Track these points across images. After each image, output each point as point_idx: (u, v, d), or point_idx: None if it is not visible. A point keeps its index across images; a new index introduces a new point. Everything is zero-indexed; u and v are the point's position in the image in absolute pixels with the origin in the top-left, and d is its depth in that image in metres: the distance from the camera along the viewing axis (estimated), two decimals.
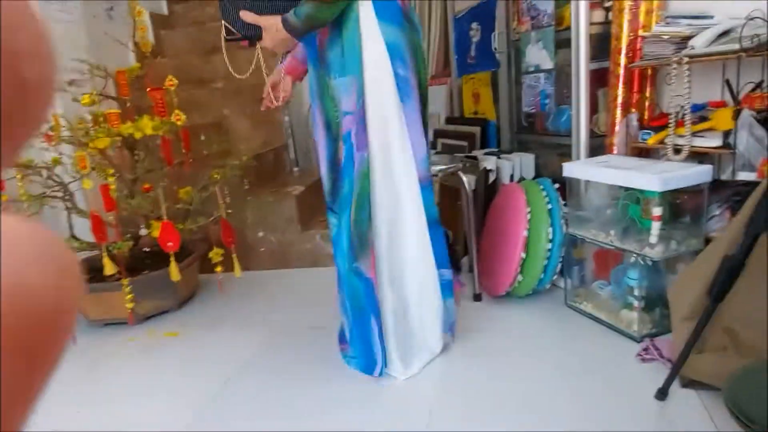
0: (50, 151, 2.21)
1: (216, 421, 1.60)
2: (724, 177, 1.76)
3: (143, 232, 2.22)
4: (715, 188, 1.79)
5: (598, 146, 2.11)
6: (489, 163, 2.28)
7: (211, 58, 3.28)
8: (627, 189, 1.80)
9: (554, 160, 2.41)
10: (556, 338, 1.88)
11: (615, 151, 2.00)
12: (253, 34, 1.51)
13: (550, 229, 2.00)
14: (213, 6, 3.66)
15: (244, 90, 3.13)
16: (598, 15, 2.05)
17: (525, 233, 1.99)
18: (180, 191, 2.34)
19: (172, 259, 2.15)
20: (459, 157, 2.31)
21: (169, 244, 2.12)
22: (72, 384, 1.90)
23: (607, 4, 2.11)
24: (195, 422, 1.60)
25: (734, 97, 1.72)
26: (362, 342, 1.69)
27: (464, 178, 2.10)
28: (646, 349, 1.70)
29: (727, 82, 1.79)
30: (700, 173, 1.69)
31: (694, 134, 1.75)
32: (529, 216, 2.01)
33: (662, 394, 1.48)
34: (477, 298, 2.17)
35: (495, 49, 2.51)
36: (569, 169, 1.95)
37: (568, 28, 2.06)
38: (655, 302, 1.82)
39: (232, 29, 1.54)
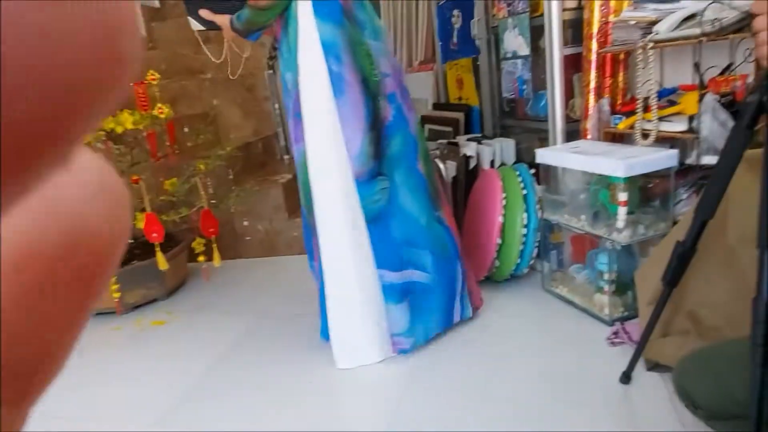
0: None
1: (199, 406, 1.66)
2: (689, 161, 1.77)
3: None
4: (684, 172, 1.79)
5: (575, 131, 2.11)
6: (469, 149, 2.30)
7: (202, 50, 3.31)
8: (598, 175, 1.81)
9: (535, 144, 2.42)
10: (530, 322, 1.91)
11: (589, 137, 2.01)
12: (214, 28, 1.60)
13: (525, 215, 2.02)
14: None
15: (234, 80, 3.16)
16: (571, 1, 2.04)
17: (501, 219, 2.02)
18: (165, 183, 2.39)
19: (158, 249, 2.20)
20: (438, 144, 2.33)
21: (154, 235, 2.16)
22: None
23: None
24: (176, 407, 1.65)
25: (701, 81, 1.71)
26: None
27: (441, 165, 2.12)
28: (616, 333, 1.72)
29: (696, 66, 1.79)
30: (665, 158, 1.69)
31: (662, 119, 1.75)
32: (504, 202, 2.03)
33: (626, 377, 1.51)
34: None
35: (474, 35, 2.51)
36: (542, 155, 1.96)
37: (543, 14, 2.05)
38: (627, 286, 1.84)
39: (197, 23, 1.64)
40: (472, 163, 2.36)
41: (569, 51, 2.08)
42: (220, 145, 2.55)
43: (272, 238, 2.80)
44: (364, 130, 1.58)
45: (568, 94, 2.12)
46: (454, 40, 2.68)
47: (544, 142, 2.21)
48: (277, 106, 3.20)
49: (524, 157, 2.41)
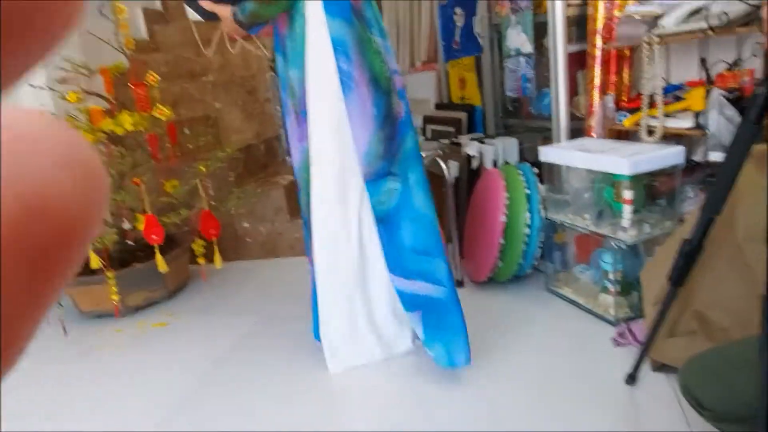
0: None
1: (199, 407, 1.64)
2: (696, 158, 1.73)
3: (126, 225, 2.26)
4: (691, 170, 1.76)
5: (579, 128, 2.08)
6: (471, 148, 2.27)
7: (203, 52, 3.30)
8: (603, 173, 1.78)
9: (539, 143, 2.39)
10: (534, 323, 1.88)
11: (593, 134, 1.98)
12: (214, 18, 1.57)
13: (528, 215, 1.99)
14: None
15: (235, 82, 3.15)
16: None
17: (503, 219, 1.98)
18: (166, 184, 2.37)
19: (157, 251, 2.18)
20: (440, 144, 2.30)
21: (154, 237, 2.15)
22: (59, 373, 1.96)
23: None
24: (178, 408, 1.64)
25: (708, 76, 1.68)
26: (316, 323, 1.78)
27: (443, 165, 2.10)
28: (621, 334, 1.69)
29: (703, 62, 1.76)
30: (671, 155, 1.66)
31: (668, 115, 1.72)
32: (507, 202, 2.00)
33: (632, 378, 1.48)
34: (459, 284, 2.17)
35: (477, 33, 2.48)
36: (545, 154, 1.93)
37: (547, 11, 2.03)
38: (632, 286, 1.81)
39: (196, 14, 1.61)
40: (475, 163, 2.33)
41: (573, 48, 2.05)
42: (221, 147, 2.54)
43: (274, 239, 2.78)
44: (373, 129, 1.54)
45: (573, 91, 2.09)
46: (457, 39, 2.65)
47: (547, 140, 2.18)
48: (278, 108, 3.18)
49: (527, 156, 2.38)
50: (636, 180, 1.68)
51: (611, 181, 1.76)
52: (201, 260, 2.28)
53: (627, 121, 1.85)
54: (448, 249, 2.38)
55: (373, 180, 1.58)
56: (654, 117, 1.74)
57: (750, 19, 1.49)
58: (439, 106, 2.92)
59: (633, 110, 1.86)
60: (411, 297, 1.63)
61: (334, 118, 1.54)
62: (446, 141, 2.40)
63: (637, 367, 1.48)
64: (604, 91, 1.95)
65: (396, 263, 1.62)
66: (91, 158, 0.13)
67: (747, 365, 1.02)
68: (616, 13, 1.87)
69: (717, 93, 1.55)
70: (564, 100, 2.04)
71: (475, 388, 1.56)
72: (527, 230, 1.98)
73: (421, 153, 1.67)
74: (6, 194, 0.11)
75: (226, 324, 2.16)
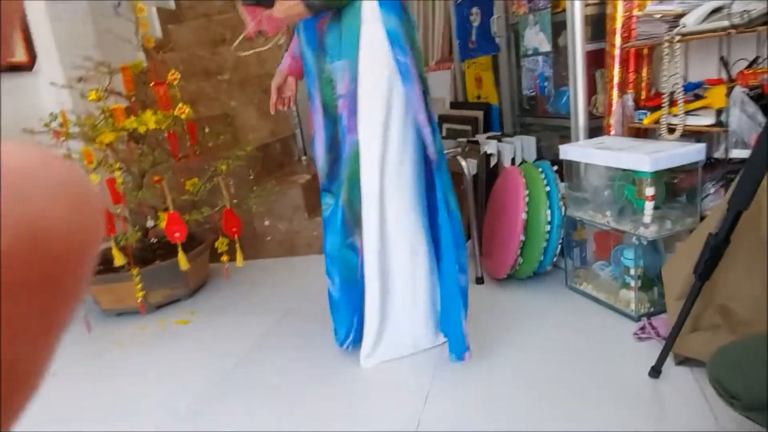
0: (58, 147, 2.28)
1: (219, 405, 1.66)
2: (718, 155, 1.75)
3: (150, 223, 2.29)
4: (711, 167, 1.78)
5: (597, 127, 2.10)
6: (490, 146, 2.29)
7: (219, 51, 3.33)
8: (623, 170, 1.80)
9: (556, 142, 2.41)
10: (556, 318, 1.90)
11: (612, 132, 2.00)
12: (267, 2, 1.54)
13: (549, 212, 2.01)
14: None
15: (251, 81, 3.18)
16: None
17: (524, 216, 2.01)
18: (186, 183, 2.40)
19: (180, 248, 2.21)
20: (459, 142, 2.32)
21: (176, 234, 2.18)
22: (83, 370, 1.98)
23: None
24: (202, 404, 1.66)
25: (729, 74, 1.71)
26: (347, 315, 1.77)
27: (463, 163, 2.12)
28: (642, 328, 1.71)
29: (723, 59, 1.78)
30: (692, 152, 1.68)
31: (688, 113, 1.74)
32: (527, 199, 2.02)
33: (656, 372, 1.50)
34: (479, 281, 2.20)
35: (494, 33, 2.51)
36: (565, 152, 1.96)
37: (565, 10, 2.05)
38: (653, 282, 1.83)
39: None
40: (493, 161, 2.35)
41: (591, 47, 2.07)
42: (240, 145, 2.56)
43: (292, 237, 2.81)
44: (429, 120, 1.59)
45: (591, 90, 2.11)
46: (473, 38, 2.67)
47: (564, 139, 2.20)
48: (294, 107, 3.20)
49: (545, 154, 2.41)
50: (657, 177, 1.70)
51: (631, 178, 1.78)
52: (224, 258, 2.31)
53: (647, 119, 1.88)
54: (468, 246, 2.41)
55: (441, 167, 1.62)
56: (674, 115, 1.76)
57: None
58: (454, 105, 2.95)
59: (652, 108, 1.88)
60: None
61: (394, 108, 1.56)
62: (463, 139, 2.43)
63: (661, 361, 1.50)
64: (623, 90, 1.98)
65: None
66: (86, 188, 0.13)
67: None
68: (636, 12, 1.89)
69: (739, 90, 1.57)
70: (582, 98, 2.06)
71: (497, 384, 1.57)
72: (548, 227, 2.00)
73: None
74: (5, 227, 0.11)
75: (246, 322, 2.18)
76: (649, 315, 1.77)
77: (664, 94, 1.79)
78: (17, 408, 0.12)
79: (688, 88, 1.79)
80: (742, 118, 1.59)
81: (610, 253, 1.99)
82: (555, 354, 1.69)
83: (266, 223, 2.78)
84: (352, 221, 1.67)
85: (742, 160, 1.64)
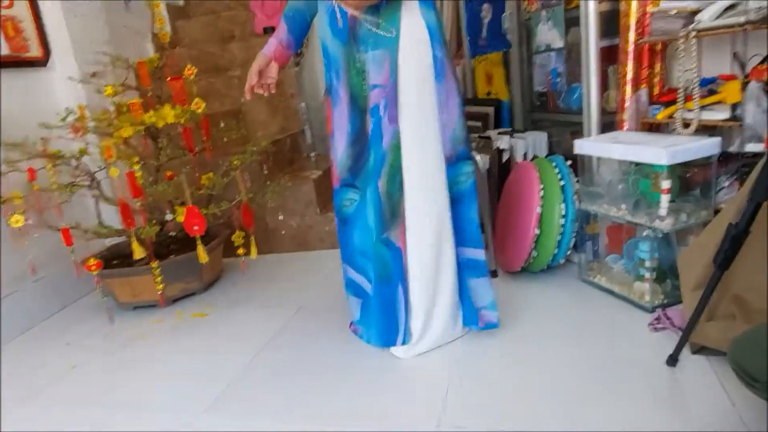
0: (77, 141, 2.30)
1: (245, 394, 1.69)
2: (732, 149, 1.79)
3: (169, 217, 2.31)
4: (724, 160, 1.82)
5: (609, 123, 2.14)
6: (502, 142, 2.33)
7: (228, 47, 3.35)
8: (637, 164, 1.84)
9: (567, 137, 2.44)
10: (570, 311, 1.93)
11: (625, 127, 2.04)
12: None
13: (563, 206, 2.04)
14: None
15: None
16: None
17: (539, 210, 2.04)
18: (202, 177, 2.42)
19: (199, 242, 2.23)
20: (472, 137, 2.35)
21: (195, 228, 2.20)
22: (109, 362, 2.01)
23: None
24: (225, 395, 1.68)
25: (742, 69, 1.74)
26: (383, 313, 1.74)
27: (477, 158, 2.15)
28: (657, 319, 1.75)
29: (736, 55, 1.82)
30: (708, 146, 1.72)
31: (702, 108, 1.78)
32: (542, 193, 2.05)
33: (673, 360, 1.53)
34: (493, 274, 2.23)
35: (506, 29, 2.54)
36: (580, 146, 1.99)
37: (578, 7, 2.08)
38: (666, 274, 1.87)
39: None
40: (505, 157, 2.39)
41: (604, 43, 2.11)
42: (253, 141, 2.58)
43: (305, 232, 2.83)
44: (458, 115, 1.65)
45: (603, 86, 2.14)
46: (483, 34, 2.71)
47: (576, 135, 2.24)
48: (303, 104, 3.23)
49: (555, 150, 2.44)
50: (672, 170, 1.73)
51: (646, 172, 1.82)
52: (241, 251, 2.33)
53: (661, 114, 1.91)
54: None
55: (452, 163, 1.67)
56: (689, 110, 1.80)
57: None
58: (464, 101, 2.98)
59: (666, 103, 1.91)
60: (472, 262, 1.78)
61: (428, 102, 1.59)
62: (476, 135, 2.46)
63: (678, 349, 1.53)
64: (636, 86, 2.01)
65: (467, 237, 1.74)
66: None
67: None
68: (650, 8, 1.92)
69: (755, 85, 1.61)
70: (595, 94, 2.09)
71: (517, 374, 1.60)
72: (562, 221, 2.04)
73: None
74: None
75: (264, 315, 2.20)
76: (663, 306, 1.80)
77: (678, 89, 1.82)
78: None
79: (703, 83, 1.82)
80: (757, 113, 1.62)
81: (623, 246, 2.03)
82: (572, 343, 1.72)
83: (280, 217, 2.81)
84: (390, 216, 1.66)
85: (756, 154, 1.68)
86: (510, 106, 2.66)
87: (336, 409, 1.55)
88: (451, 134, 1.65)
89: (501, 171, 2.37)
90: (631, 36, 1.98)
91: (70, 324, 2.41)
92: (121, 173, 2.26)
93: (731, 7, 1.67)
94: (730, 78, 1.82)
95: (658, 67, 2.03)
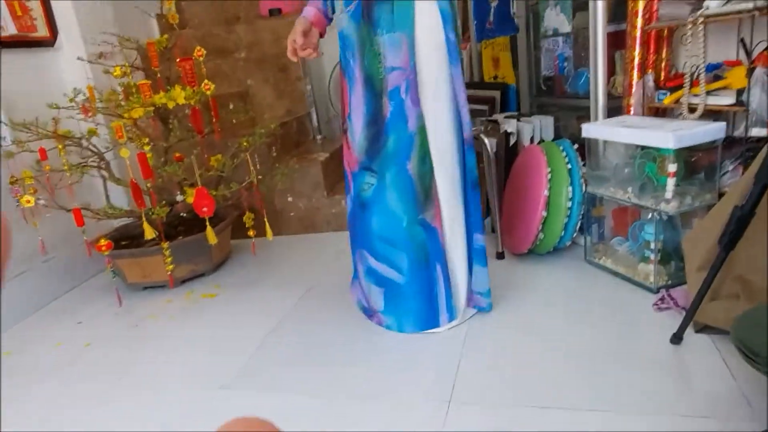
0: (86, 121, 2.31)
1: (261, 370, 1.73)
2: (737, 134, 1.83)
3: (179, 198, 2.33)
4: (729, 145, 1.85)
5: (616, 107, 2.17)
6: (510, 126, 2.35)
7: (234, 29, 3.35)
8: (643, 148, 1.87)
9: (573, 122, 2.47)
10: (576, 291, 1.97)
11: (632, 112, 2.07)
12: None
13: (570, 189, 2.08)
14: None
15: (267, 60, 3.20)
16: None
17: (546, 193, 2.08)
18: (211, 159, 2.44)
19: (208, 223, 2.26)
20: (480, 121, 2.38)
21: (204, 209, 2.22)
22: (122, 340, 2.04)
23: None
24: (236, 375, 1.72)
25: (748, 55, 1.77)
26: (422, 298, 1.77)
27: (486, 141, 2.18)
28: (662, 299, 1.79)
29: (742, 41, 1.84)
30: (713, 130, 1.75)
31: (708, 93, 1.81)
32: (549, 176, 2.08)
33: (677, 338, 1.58)
34: (500, 256, 2.27)
35: (514, 14, 2.55)
36: (588, 130, 2.02)
37: None
38: (671, 256, 1.91)
39: None
40: (512, 140, 2.41)
41: (611, 28, 2.13)
42: (261, 123, 2.60)
43: (312, 215, 2.86)
44: (465, 100, 1.67)
45: (610, 71, 2.17)
46: (491, 18, 2.72)
47: (582, 119, 2.26)
48: (309, 87, 3.25)
49: (562, 134, 2.47)
50: (677, 154, 1.77)
51: (652, 155, 1.85)
52: (251, 233, 2.36)
53: (667, 99, 1.94)
54: (487, 222, 2.48)
55: (470, 147, 1.70)
56: (696, 95, 1.83)
57: None
58: (470, 85, 2.99)
59: (673, 89, 1.94)
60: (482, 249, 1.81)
61: (447, 85, 1.62)
62: (483, 119, 2.48)
63: (683, 328, 1.58)
64: (643, 71, 2.04)
65: (477, 222, 1.78)
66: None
67: None
68: None
69: (761, 71, 1.64)
70: (602, 79, 2.12)
71: (526, 351, 1.64)
72: (569, 204, 2.07)
73: None
74: None
75: (274, 296, 2.23)
76: (667, 287, 1.85)
77: (685, 74, 1.85)
78: None
79: (708, 69, 1.85)
80: (763, 98, 1.66)
81: (628, 229, 2.07)
82: (578, 322, 1.76)
83: (289, 199, 2.83)
84: (424, 197, 1.68)
85: (761, 139, 1.72)
86: (516, 90, 2.69)
87: (351, 385, 1.59)
88: (468, 117, 1.68)
89: (508, 154, 2.40)
90: (639, 21, 2.00)
91: (81, 304, 2.44)
92: (130, 154, 2.27)
93: None
94: (736, 64, 1.85)
95: (664, 53, 2.05)
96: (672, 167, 1.75)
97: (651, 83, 2.01)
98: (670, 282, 1.88)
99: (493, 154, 2.22)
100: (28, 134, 2.18)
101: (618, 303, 1.85)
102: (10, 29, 2.42)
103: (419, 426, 1.37)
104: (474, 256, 1.80)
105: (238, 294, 2.32)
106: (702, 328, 1.62)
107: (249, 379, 1.68)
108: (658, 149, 1.79)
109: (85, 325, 2.22)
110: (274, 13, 3.45)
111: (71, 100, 2.24)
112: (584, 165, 2.12)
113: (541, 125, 2.36)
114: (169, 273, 2.29)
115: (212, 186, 2.39)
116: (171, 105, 2.19)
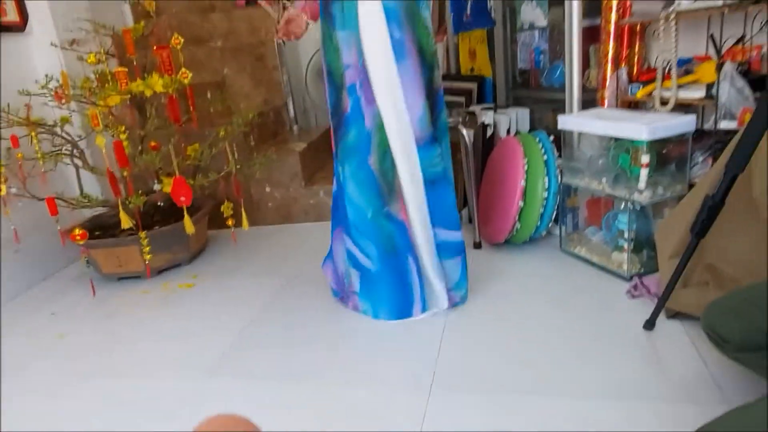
0: (59, 108, 2.27)
1: (244, 357, 1.73)
2: (707, 126, 1.89)
3: (156, 187, 2.31)
4: (699, 137, 1.91)
5: (590, 100, 2.21)
6: (487, 117, 2.39)
7: (210, 17, 3.32)
8: (617, 139, 1.92)
9: (548, 114, 2.52)
10: (552, 280, 2.02)
11: (606, 104, 2.12)
12: None
13: (546, 180, 2.12)
14: None
15: (243, 49, 3.18)
16: None
17: (523, 183, 2.11)
18: (188, 148, 2.42)
19: (186, 212, 2.24)
20: (458, 112, 2.41)
21: (182, 198, 2.21)
22: (95, 331, 2.02)
23: None
24: (218, 363, 1.72)
25: (718, 51, 1.83)
26: (395, 286, 1.78)
27: (464, 132, 2.21)
28: (635, 287, 1.84)
29: (712, 37, 1.90)
30: (684, 123, 1.81)
31: (679, 87, 1.86)
32: (526, 167, 2.12)
33: (650, 324, 1.63)
34: (477, 246, 2.31)
35: (491, 7, 2.58)
36: (563, 122, 2.06)
37: None
38: (643, 245, 1.97)
39: None
40: (489, 132, 2.45)
41: (586, 23, 2.17)
42: (238, 112, 2.59)
43: (289, 205, 2.86)
44: (424, 97, 1.65)
45: (585, 64, 2.22)
46: (468, 11, 2.74)
47: (557, 111, 2.31)
48: (286, 77, 3.23)
49: (537, 126, 2.51)
50: (651, 146, 1.82)
51: (626, 147, 1.90)
52: (230, 222, 2.35)
53: (640, 92, 1.99)
54: (464, 213, 2.51)
55: (424, 145, 1.68)
56: (667, 88, 1.88)
57: None
58: (447, 77, 3.02)
59: (645, 82, 2.00)
60: (448, 244, 1.80)
61: (392, 83, 1.62)
62: (460, 110, 2.51)
63: (656, 314, 1.63)
64: (617, 65, 2.09)
65: (441, 217, 1.76)
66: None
67: (765, 301, 1.17)
68: None
69: (730, 66, 1.70)
70: (577, 72, 2.17)
71: (501, 343, 1.66)
72: (545, 194, 2.12)
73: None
74: None
75: (251, 285, 2.24)
76: (639, 275, 1.90)
77: (657, 68, 1.90)
78: None
79: (679, 63, 1.91)
80: (731, 92, 1.72)
81: (602, 219, 2.12)
82: (554, 309, 1.81)
83: (267, 189, 2.83)
84: (388, 192, 1.70)
85: (729, 131, 1.78)
86: (493, 82, 2.72)
87: (332, 373, 1.60)
88: (420, 115, 1.66)
89: (485, 146, 2.43)
90: (613, 16, 2.05)
91: (54, 294, 2.40)
92: (106, 142, 2.24)
93: None
94: (705, 59, 1.91)
95: (637, 47, 2.11)
96: (645, 158, 1.80)
97: (624, 77, 2.06)
98: (642, 270, 1.94)
99: (471, 146, 2.25)
100: None
101: (592, 291, 1.90)
102: None
103: (401, 412, 1.39)
104: (438, 251, 1.80)
105: (217, 284, 2.31)
106: (674, 315, 1.67)
107: (228, 368, 1.68)
108: (631, 141, 1.84)
109: (59, 316, 2.18)
110: (251, 3, 3.42)
111: (43, 87, 2.19)
112: (559, 156, 2.16)
113: (518, 117, 2.39)
114: (147, 263, 2.26)
115: (189, 175, 2.37)
116: (149, 93, 2.17)
